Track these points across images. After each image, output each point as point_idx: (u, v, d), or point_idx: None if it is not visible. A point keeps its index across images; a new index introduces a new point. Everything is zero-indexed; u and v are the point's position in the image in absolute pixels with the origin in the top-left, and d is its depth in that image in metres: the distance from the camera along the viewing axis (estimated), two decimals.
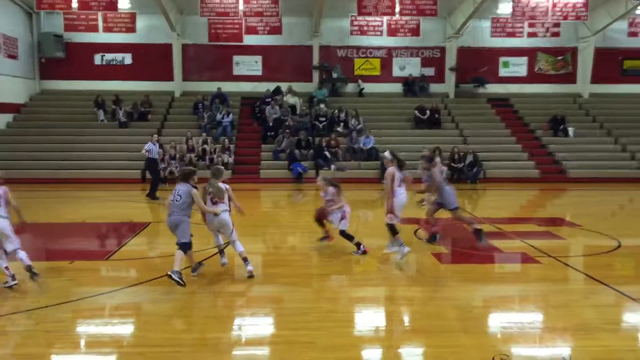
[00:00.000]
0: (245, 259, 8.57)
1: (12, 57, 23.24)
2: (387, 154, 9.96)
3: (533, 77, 26.58)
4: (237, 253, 8.69)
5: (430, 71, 26.16)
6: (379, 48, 25.77)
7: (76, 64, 25.15)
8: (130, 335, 6.53)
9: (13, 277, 7.94)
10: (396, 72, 26.06)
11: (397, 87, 25.86)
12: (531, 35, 25.88)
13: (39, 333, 6.38)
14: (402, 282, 8.65)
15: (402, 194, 9.69)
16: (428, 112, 23.38)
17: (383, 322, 6.88)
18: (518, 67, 26.61)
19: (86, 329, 6.66)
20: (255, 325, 6.82)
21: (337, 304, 7.43)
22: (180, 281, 7.82)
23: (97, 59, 25.42)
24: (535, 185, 20.61)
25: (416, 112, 23.43)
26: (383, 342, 6.29)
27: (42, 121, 23.01)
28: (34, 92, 25.00)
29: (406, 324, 6.97)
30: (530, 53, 26.42)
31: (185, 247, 8.28)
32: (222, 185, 8.81)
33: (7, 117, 22.89)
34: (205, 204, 8.55)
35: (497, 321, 6.97)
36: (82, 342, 6.28)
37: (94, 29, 24.11)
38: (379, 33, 24.91)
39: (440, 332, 6.40)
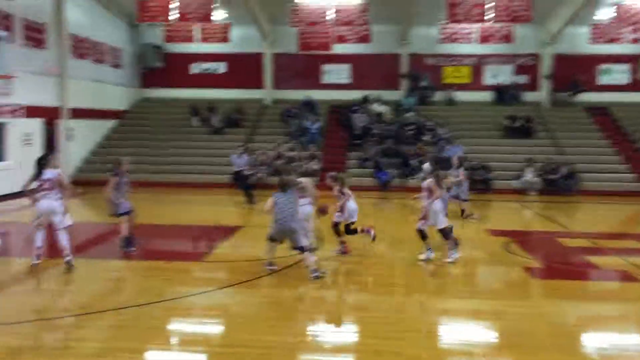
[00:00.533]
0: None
1: (117, 66, 24.74)
2: (426, 166, 10.72)
3: (635, 85, 25.14)
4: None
5: (523, 79, 25.36)
6: (469, 56, 25.30)
7: (174, 73, 26.42)
8: (222, 335, 6.78)
9: (38, 257, 8.90)
10: (487, 80, 25.46)
11: (488, 96, 25.26)
12: (635, 41, 24.47)
13: (137, 329, 6.76)
14: (491, 296, 8.45)
15: (436, 204, 9.99)
16: (519, 121, 22.66)
17: (471, 335, 6.75)
18: (618, 74, 25.27)
19: (180, 327, 6.99)
20: (341, 332, 6.89)
21: (423, 315, 7.37)
22: (320, 274, 8.67)
23: (194, 68, 26.58)
24: (636, 199, 19.45)
25: (507, 121, 22.78)
26: (471, 356, 6.18)
27: (141, 127, 24.31)
28: (135, 100, 26.48)
29: (495, 338, 6.81)
30: (632, 60, 25.01)
31: (304, 249, 8.82)
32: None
33: (111, 123, 24.36)
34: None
35: (593, 341, 6.67)
36: (176, 340, 6.60)
37: (191, 39, 25.20)
38: (469, 40, 24.42)
39: (532, 349, 6.21)
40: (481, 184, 19.71)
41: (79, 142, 21.52)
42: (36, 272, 9.35)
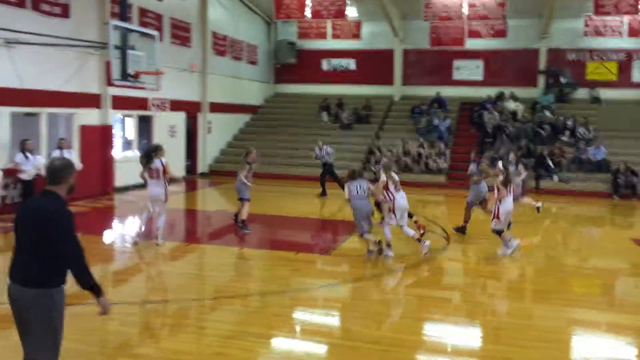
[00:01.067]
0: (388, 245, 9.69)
1: (253, 63, 25.87)
2: (500, 164, 11.04)
3: None
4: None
5: None
6: (616, 50, 23.45)
7: (305, 69, 27.11)
8: (344, 328, 6.89)
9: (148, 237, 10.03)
10: (637, 76, 23.46)
11: (637, 94, 23.26)
12: None
13: (264, 316, 7.05)
14: (632, 310, 7.80)
15: (508, 202, 10.11)
16: None
17: (607, 351, 6.29)
18: None
19: (304, 317, 7.20)
20: (465, 334, 6.73)
21: (555, 324, 6.98)
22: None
23: (324, 64, 27.11)
24: None
25: None
26: None
27: (274, 121, 25.22)
28: (269, 95, 27.54)
29: (634, 357, 6.29)
30: None
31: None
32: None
33: (246, 117, 25.54)
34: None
35: None
36: (301, 329, 6.80)
37: (323, 36, 25.73)
38: (617, 34, 22.67)
39: None
40: (626, 188, 18.26)
41: (217, 134, 22.79)
42: (172, 255, 10.07)
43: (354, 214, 9.77)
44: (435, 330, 6.80)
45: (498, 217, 10.00)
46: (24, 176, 12.60)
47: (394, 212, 9.84)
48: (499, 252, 10.20)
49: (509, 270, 9.70)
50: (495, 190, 10.13)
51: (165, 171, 10.18)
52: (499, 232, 10.11)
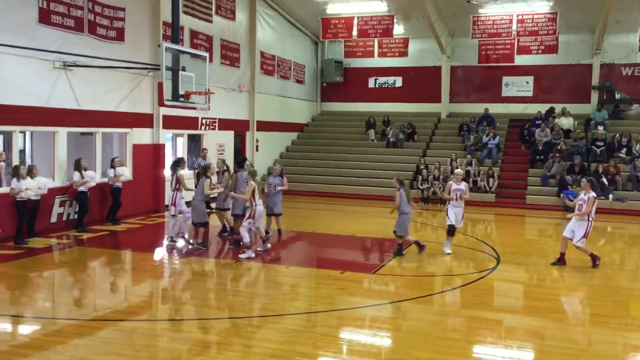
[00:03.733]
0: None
1: (300, 82, 26.14)
2: (459, 171, 12.18)
3: None
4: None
5: None
6: None
7: (352, 87, 27.21)
8: (393, 349, 6.79)
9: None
10: None
11: None
12: None
13: (311, 335, 7.03)
14: None
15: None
16: None
17: None
18: None
19: (352, 337, 7.13)
20: (517, 358, 6.53)
21: (611, 349, 6.71)
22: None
23: (371, 82, 27.14)
24: None
25: None
26: None
27: (320, 139, 25.34)
28: (315, 113, 27.73)
29: None
30: None
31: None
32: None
33: (293, 135, 25.76)
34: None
35: None
36: (348, 349, 6.73)
37: (370, 54, 25.76)
38: None
39: None
40: None
41: (265, 152, 23.04)
42: (220, 272, 10.18)
43: (403, 218, 10.96)
44: (485, 353, 6.63)
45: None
46: (82, 188, 13.20)
47: (253, 218, 10.80)
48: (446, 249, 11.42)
49: (564, 292, 9.39)
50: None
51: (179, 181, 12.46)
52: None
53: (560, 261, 10.73)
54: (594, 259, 10.64)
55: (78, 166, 13.18)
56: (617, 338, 7.17)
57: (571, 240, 10.56)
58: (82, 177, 13.11)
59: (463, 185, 11.59)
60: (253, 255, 10.79)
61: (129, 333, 6.95)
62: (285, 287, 9.26)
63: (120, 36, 15.15)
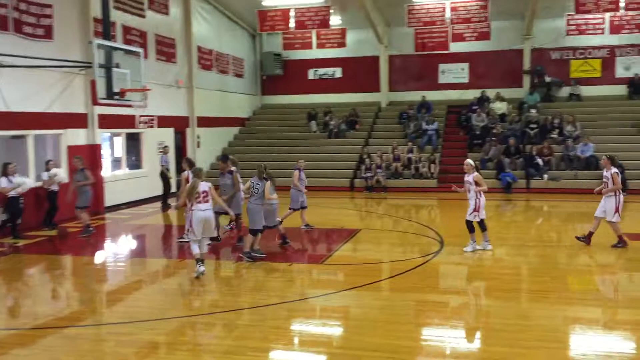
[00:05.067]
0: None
1: (239, 76, 25.87)
2: (469, 161, 10.83)
3: None
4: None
5: None
6: (599, 47, 23.64)
7: (292, 79, 27.15)
8: (343, 337, 6.85)
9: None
10: (620, 72, 23.65)
11: (621, 89, 23.45)
12: None
13: (262, 329, 7.00)
14: (627, 305, 7.81)
15: (483, 197, 10.62)
16: None
17: (606, 347, 6.27)
18: None
19: (302, 328, 7.14)
20: (464, 338, 6.71)
21: (553, 324, 6.98)
22: None
23: (311, 74, 27.15)
24: None
25: None
26: None
27: (262, 133, 25.18)
28: (256, 107, 27.54)
29: (632, 350, 6.29)
30: None
31: None
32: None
33: (235, 130, 25.50)
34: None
35: None
36: (299, 340, 6.74)
37: (309, 46, 25.74)
38: (599, 31, 22.86)
39: None
40: None
41: (206, 148, 22.72)
42: (170, 271, 10.00)
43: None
44: (434, 335, 6.77)
45: (478, 210, 10.53)
46: (12, 193, 12.59)
47: (191, 226, 9.09)
48: (469, 248, 10.65)
49: (505, 271, 9.69)
50: (475, 185, 10.51)
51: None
52: (482, 224, 10.65)
53: (586, 239, 10.82)
54: (621, 240, 10.61)
55: (4, 171, 12.55)
56: (557, 312, 7.46)
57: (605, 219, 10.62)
58: (10, 182, 12.49)
59: (472, 177, 10.57)
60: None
61: (73, 339, 6.73)
62: (233, 283, 9.17)
63: (48, 34, 14.57)
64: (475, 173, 10.55)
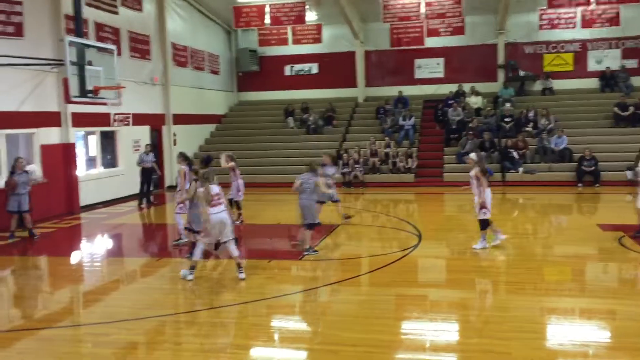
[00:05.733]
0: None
1: (215, 72, 25.69)
2: (473, 155, 10.44)
3: None
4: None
5: (633, 63, 23.69)
6: (571, 41, 23.98)
7: (268, 75, 27.04)
8: (323, 333, 6.85)
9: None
10: (592, 66, 24.02)
11: (593, 83, 23.82)
12: None
13: (241, 326, 6.98)
14: (601, 294, 7.96)
15: (489, 191, 10.19)
16: (631, 108, 21.18)
17: (582, 336, 6.39)
18: None
19: (282, 324, 7.14)
20: (443, 330, 6.76)
21: (530, 314, 7.08)
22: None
23: (287, 70, 27.08)
24: None
25: (616, 108, 21.38)
26: (585, 358, 5.87)
27: (239, 130, 25.06)
28: (232, 104, 27.38)
29: (607, 339, 6.41)
30: None
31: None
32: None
33: (211, 127, 25.34)
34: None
35: None
36: (279, 337, 6.74)
37: (284, 42, 25.66)
38: (571, 25, 23.16)
39: None
40: (589, 175, 18.67)
41: (183, 146, 22.44)
42: (147, 271, 9.92)
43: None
44: (414, 329, 6.82)
45: (486, 206, 10.08)
46: None
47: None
48: (478, 245, 10.27)
49: (483, 263, 9.79)
50: (476, 180, 10.12)
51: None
52: (486, 223, 10.20)
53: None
54: None
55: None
56: (534, 303, 7.57)
57: None
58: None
59: (472, 172, 10.27)
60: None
61: (49, 341, 6.63)
62: (212, 280, 9.12)
63: (18, 31, 14.29)
64: (477, 168, 10.15)
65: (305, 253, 10.24)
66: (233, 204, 12.85)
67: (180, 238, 11.38)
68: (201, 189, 8.82)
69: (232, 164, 13.03)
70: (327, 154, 13.00)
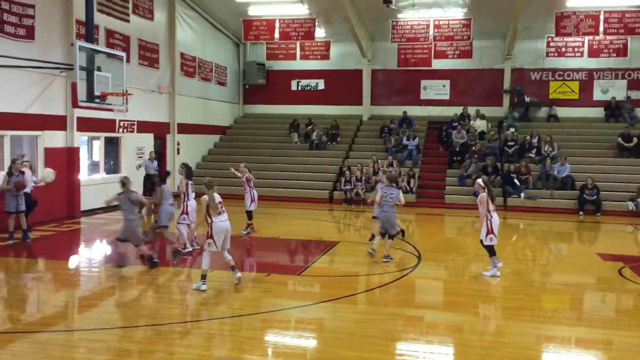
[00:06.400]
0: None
1: (222, 84, 25.82)
2: (480, 180, 10.34)
3: None
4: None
5: (638, 94, 23.74)
6: (578, 70, 24.09)
7: (275, 89, 27.17)
8: (318, 349, 6.81)
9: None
10: (597, 95, 24.09)
11: (598, 112, 23.89)
12: None
13: (236, 339, 6.94)
14: (599, 324, 7.90)
15: (496, 216, 10.07)
16: (635, 139, 21.20)
17: None
18: None
19: (277, 339, 7.09)
20: (439, 353, 6.71)
21: (526, 341, 7.03)
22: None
23: (294, 84, 27.20)
24: None
25: (619, 139, 21.41)
26: None
27: (243, 142, 25.12)
28: (238, 116, 27.48)
29: None
30: None
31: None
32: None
33: (215, 138, 25.40)
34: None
35: None
36: (274, 352, 6.69)
37: (292, 57, 25.84)
38: (578, 54, 23.28)
39: None
40: (591, 204, 18.64)
41: (186, 155, 22.55)
42: (144, 278, 9.88)
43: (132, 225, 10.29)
44: (409, 350, 6.77)
45: (493, 232, 9.94)
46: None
47: (212, 237, 8.89)
48: (489, 272, 10.10)
49: (481, 287, 9.74)
50: (482, 205, 10.01)
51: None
52: (492, 249, 10.07)
53: None
54: None
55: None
56: (531, 329, 7.51)
57: None
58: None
59: (479, 195, 10.24)
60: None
61: (43, 345, 6.59)
62: (209, 292, 9.08)
63: (30, 34, 14.41)
64: (482, 194, 10.05)
65: (385, 260, 10.82)
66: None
67: (185, 247, 11.38)
68: (206, 197, 8.92)
69: (249, 174, 13.37)
70: (385, 173, 12.35)
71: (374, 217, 12.18)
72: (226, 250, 9.08)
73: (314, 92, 26.95)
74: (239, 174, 13.79)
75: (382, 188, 11.23)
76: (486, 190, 10.07)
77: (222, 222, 8.89)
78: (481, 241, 10.10)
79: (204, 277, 8.85)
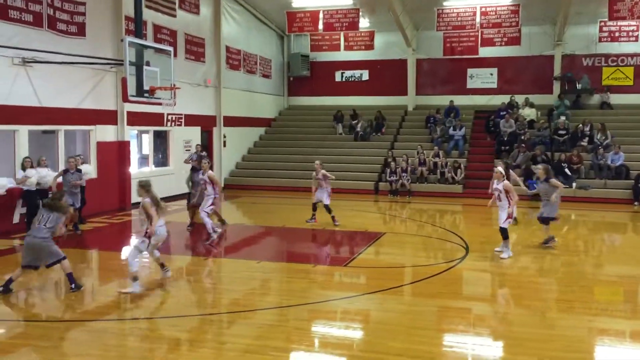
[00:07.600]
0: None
1: (266, 76, 25.99)
2: (500, 168, 10.74)
3: None
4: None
5: None
6: (632, 55, 23.21)
7: (319, 81, 27.18)
8: (364, 340, 6.81)
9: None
10: None
11: None
12: None
13: (284, 329, 7.00)
14: None
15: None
16: None
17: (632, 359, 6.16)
18: None
19: (324, 330, 7.13)
20: (488, 345, 6.62)
21: (578, 334, 6.85)
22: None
23: (338, 76, 27.15)
24: None
25: None
26: None
27: (288, 134, 25.28)
28: (282, 108, 27.64)
29: None
30: None
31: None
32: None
33: (261, 130, 25.63)
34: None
35: None
36: (321, 342, 6.72)
37: (336, 48, 25.80)
38: (633, 39, 22.45)
39: None
40: None
41: (232, 148, 22.88)
42: (194, 269, 10.08)
43: None
44: (458, 342, 6.70)
45: (512, 217, 10.47)
46: (27, 187, 12.64)
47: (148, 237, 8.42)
48: (504, 255, 10.52)
49: (531, 279, 9.56)
50: (506, 193, 10.40)
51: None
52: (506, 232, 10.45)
53: None
54: None
55: (22, 165, 12.64)
56: (583, 322, 7.33)
57: None
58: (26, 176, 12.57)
59: (501, 185, 10.44)
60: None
61: (99, 333, 6.82)
62: (257, 282, 9.20)
63: (81, 31, 14.82)
64: (505, 181, 10.43)
65: (545, 244, 11.28)
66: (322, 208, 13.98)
67: (210, 236, 11.62)
68: (148, 200, 8.68)
69: (323, 171, 13.96)
70: (542, 166, 11.99)
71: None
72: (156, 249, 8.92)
73: (358, 83, 26.84)
74: (319, 175, 14.09)
75: (538, 186, 11.68)
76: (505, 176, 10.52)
77: (161, 226, 8.75)
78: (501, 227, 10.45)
79: (135, 279, 8.33)
